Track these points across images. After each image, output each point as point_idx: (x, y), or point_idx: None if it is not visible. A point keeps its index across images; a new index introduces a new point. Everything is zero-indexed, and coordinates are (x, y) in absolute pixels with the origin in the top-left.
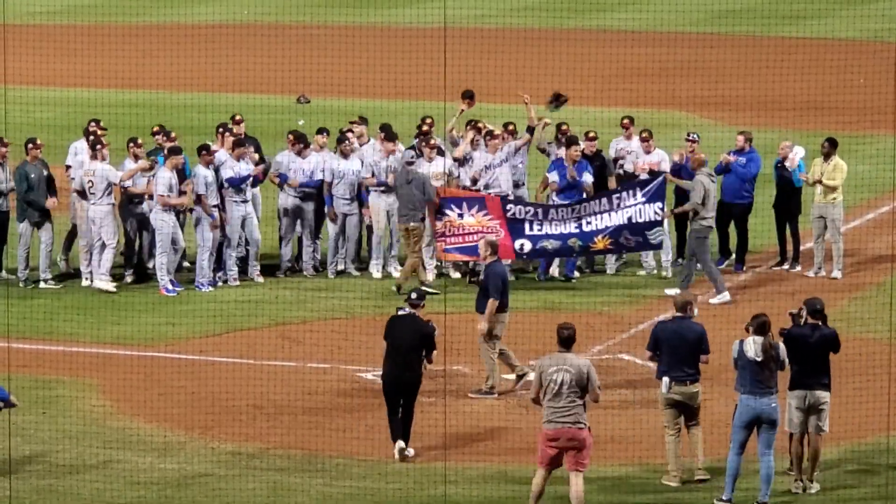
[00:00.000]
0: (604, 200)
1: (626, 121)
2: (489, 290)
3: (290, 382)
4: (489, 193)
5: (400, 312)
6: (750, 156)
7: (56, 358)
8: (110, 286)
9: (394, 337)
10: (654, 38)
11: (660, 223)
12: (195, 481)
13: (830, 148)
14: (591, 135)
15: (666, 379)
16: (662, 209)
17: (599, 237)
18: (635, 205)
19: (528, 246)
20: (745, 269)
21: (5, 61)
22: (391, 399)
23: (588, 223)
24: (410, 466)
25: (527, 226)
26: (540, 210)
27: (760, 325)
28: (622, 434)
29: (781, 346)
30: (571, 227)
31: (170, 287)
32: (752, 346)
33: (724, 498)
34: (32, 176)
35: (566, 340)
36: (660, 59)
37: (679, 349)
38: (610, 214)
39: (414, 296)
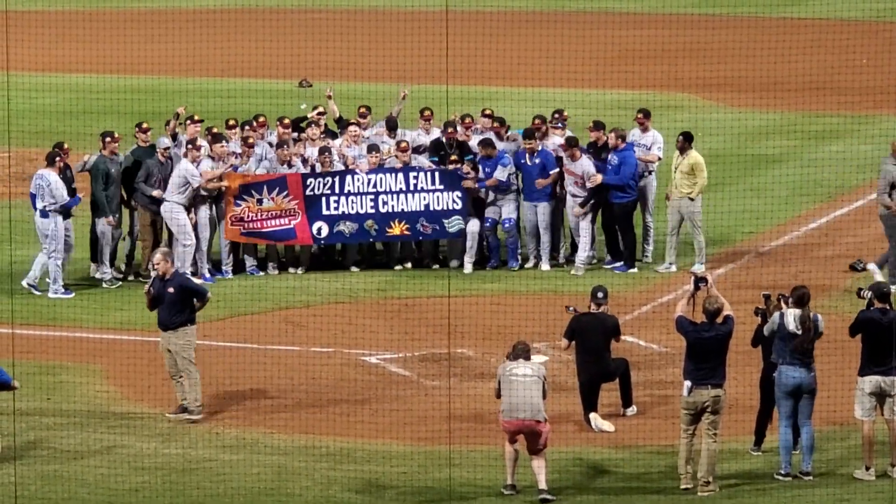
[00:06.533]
0: (400, 176)
1: (640, 115)
2: (193, 299)
3: (293, 367)
4: (290, 172)
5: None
6: (623, 155)
7: (60, 343)
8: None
9: (584, 336)
10: (656, 19)
11: (458, 212)
12: (199, 466)
13: (685, 142)
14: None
15: (688, 382)
16: (462, 198)
17: (396, 221)
18: (433, 191)
19: (325, 230)
20: (632, 267)
21: (7, 48)
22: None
23: (384, 203)
24: (415, 450)
25: (324, 203)
26: (337, 179)
27: (799, 298)
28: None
29: (819, 317)
30: (368, 206)
31: (207, 275)
32: (792, 319)
33: (781, 472)
34: (113, 171)
35: (523, 353)
36: (662, 41)
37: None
38: (406, 197)
39: (601, 294)
